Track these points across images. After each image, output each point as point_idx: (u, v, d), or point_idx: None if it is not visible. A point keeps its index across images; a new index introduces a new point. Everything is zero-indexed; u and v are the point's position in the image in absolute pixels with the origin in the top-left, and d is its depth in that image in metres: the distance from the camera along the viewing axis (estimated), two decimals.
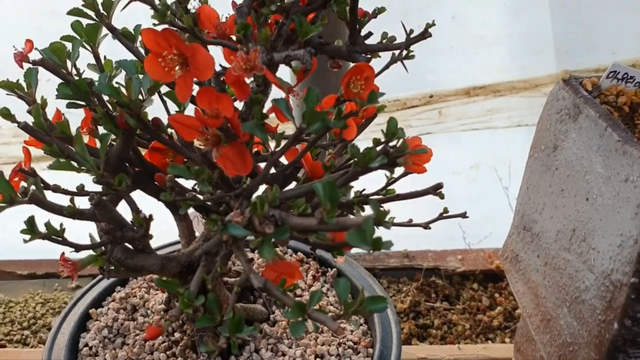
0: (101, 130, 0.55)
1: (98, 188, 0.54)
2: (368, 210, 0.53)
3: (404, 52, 0.54)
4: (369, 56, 0.55)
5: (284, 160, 0.55)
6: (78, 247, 0.51)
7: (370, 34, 0.55)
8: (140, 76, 0.50)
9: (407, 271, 1.21)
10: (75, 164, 0.52)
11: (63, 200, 0.54)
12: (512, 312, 1.15)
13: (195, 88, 0.50)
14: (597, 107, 0.63)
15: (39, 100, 0.56)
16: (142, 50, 0.59)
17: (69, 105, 0.53)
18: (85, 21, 0.57)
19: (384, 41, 0.56)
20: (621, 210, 0.56)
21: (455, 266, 1.20)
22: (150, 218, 0.53)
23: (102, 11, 0.56)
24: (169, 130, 0.55)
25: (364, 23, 0.55)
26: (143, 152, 0.59)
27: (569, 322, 0.63)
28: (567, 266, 0.65)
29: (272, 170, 0.56)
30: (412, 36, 0.53)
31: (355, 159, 0.50)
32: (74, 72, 0.57)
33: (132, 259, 0.56)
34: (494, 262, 1.21)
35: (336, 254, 0.53)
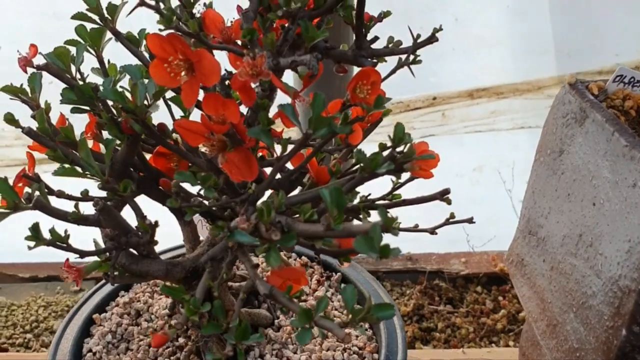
0: (105, 135, 0.55)
1: (101, 193, 0.53)
2: (374, 216, 0.52)
3: (411, 57, 0.54)
4: (375, 60, 0.55)
5: (288, 165, 0.55)
6: (83, 254, 0.51)
7: (376, 38, 0.55)
8: (146, 81, 0.50)
9: (410, 274, 1.21)
10: (79, 169, 0.52)
11: (66, 205, 0.53)
12: (515, 315, 1.14)
13: (201, 93, 0.50)
14: (604, 111, 0.63)
15: (42, 105, 0.56)
16: (146, 55, 0.58)
17: (73, 110, 0.53)
18: (88, 25, 0.57)
19: (390, 45, 0.56)
20: (629, 215, 0.55)
21: (458, 269, 1.20)
22: (156, 224, 0.53)
23: (106, 15, 0.55)
24: (174, 135, 0.55)
25: (370, 27, 0.55)
26: (147, 156, 0.59)
27: (576, 328, 0.63)
28: (574, 271, 0.64)
29: (277, 176, 0.56)
30: (419, 41, 0.53)
31: (362, 165, 0.50)
32: (78, 76, 0.57)
33: (137, 265, 0.56)
34: (498, 265, 1.20)
35: (342, 260, 0.52)
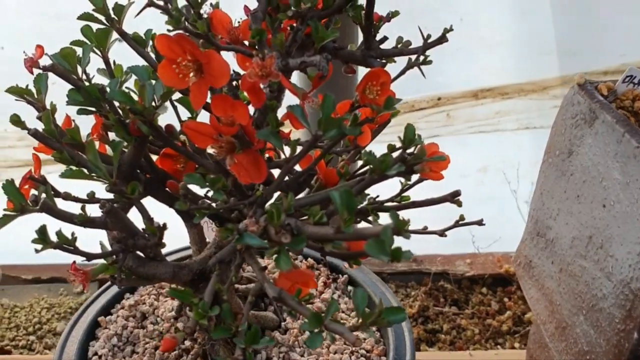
0: (111, 136, 0.54)
1: (107, 195, 0.53)
2: (384, 219, 0.52)
3: (421, 58, 0.53)
4: (384, 61, 0.55)
5: (296, 167, 0.54)
6: (90, 256, 0.51)
7: (385, 38, 0.54)
8: (153, 82, 0.49)
9: (415, 275, 1.20)
10: (86, 171, 0.51)
11: (72, 207, 0.53)
12: (521, 317, 1.14)
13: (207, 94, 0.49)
14: (614, 112, 0.62)
15: (48, 106, 0.55)
16: (152, 56, 0.58)
17: (79, 112, 0.53)
18: (94, 26, 0.56)
19: (399, 46, 0.55)
20: None
21: (464, 270, 1.19)
22: (164, 227, 0.52)
23: (113, 16, 0.55)
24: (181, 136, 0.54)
25: (379, 27, 0.54)
26: (153, 158, 0.58)
27: (586, 331, 0.62)
28: (584, 273, 0.64)
29: (285, 178, 0.55)
30: (429, 41, 0.52)
31: (372, 166, 0.50)
32: (84, 77, 0.56)
33: (144, 267, 0.55)
34: (503, 266, 1.20)
35: (352, 262, 0.52)
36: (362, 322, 0.46)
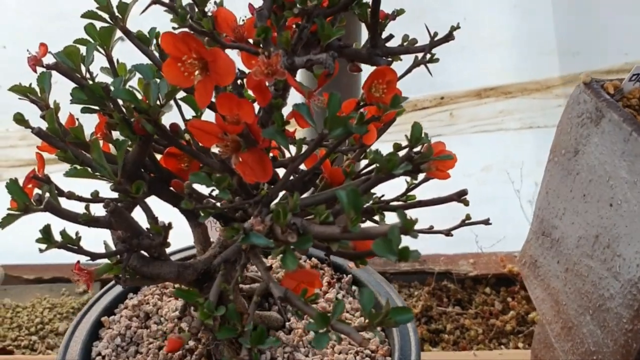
0: (116, 135, 0.54)
1: (111, 194, 0.53)
2: (390, 218, 0.51)
3: (428, 56, 0.53)
4: (389, 59, 0.54)
5: (301, 166, 0.54)
6: (94, 256, 0.50)
7: (391, 36, 0.54)
8: (158, 81, 0.49)
9: (418, 275, 1.20)
10: (90, 170, 0.51)
11: (75, 206, 0.52)
12: (525, 317, 1.13)
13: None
14: (621, 110, 0.62)
15: (51, 105, 0.55)
16: (156, 54, 0.58)
17: (83, 110, 0.52)
18: (97, 24, 0.56)
19: (405, 44, 0.55)
20: None
21: (467, 270, 1.19)
22: (169, 226, 0.52)
23: (117, 14, 0.54)
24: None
25: (385, 25, 0.54)
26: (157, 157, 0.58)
27: (592, 330, 0.62)
28: (590, 273, 0.63)
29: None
30: (435, 39, 0.52)
31: (378, 165, 0.49)
32: (87, 76, 0.56)
33: (148, 267, 0.55)
34: (507, 266, 1.19)
35: (359, 262, 0.52)
36: (369, 322, 0.46)
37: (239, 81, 0.56)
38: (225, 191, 0.46)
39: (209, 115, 0.52)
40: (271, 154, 0.59)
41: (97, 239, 0.56)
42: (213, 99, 0.48)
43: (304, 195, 0.55)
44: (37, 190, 0.51)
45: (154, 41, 0.58)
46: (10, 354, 1.07)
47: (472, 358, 0.99)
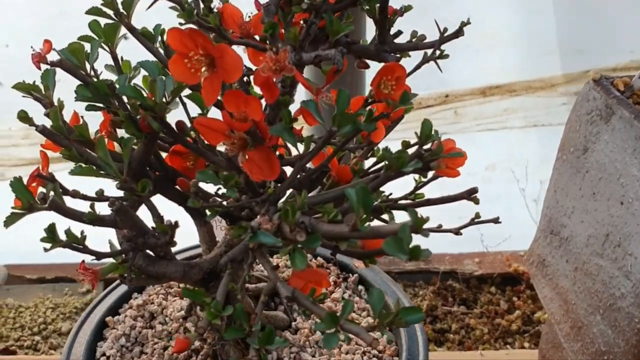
0: (121, 133, 0.53)
1: (116, 193, 0.52)
2: (400, 217, 0.51)
3: (437, 52, 0.52)
4: (398, 55, 0.53)
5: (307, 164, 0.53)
6: (99, 255, 0.50)
7: (399, 32, 0.53)
8: (164, 77, 0.48)
9: (423, 275, 1.19)
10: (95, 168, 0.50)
11: (79, 205, 0.52)
12: (530, 316, 1.13)
13: None
14: (632, 107, 0.61)
15: (55, 103, 0.54)
16: (161, 51, 0.57)
17: (88, 108, 0.52)
18: (102, 21, 0.55)
19: (413, 40, 0.54)
20: None
21: (472, 269, 1.18)
22: (176, 225, 0.51)
23: (121, 10, 0.54)
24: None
25: (393, 21, 0.53)
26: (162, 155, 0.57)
27: (603, 330, 0.61)
28: (600, 272, 0.62)
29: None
30: (445, 35, 0.51)
31: (387, 163, 0.49)
32: (92, 73, 0.55)
33: (154, 266, 0.54)
34: (512, 265, 1.18)
35: (368, 262, 0.51)
36: (378, 322, 0.45)
37: (245, 78, 0.56)
38: (233, 189, 0.46)
39: (213, 114, 0.51)
40: (277, 152, 0.59)
41: (102, 238, 0.55)
42: (218, 97, 0.47)
43: (311, 194, 0.55)
44: (41, 189, 0.50)
45: (159, 38, 0.57)
46: (13, 354, 1.07)
47: (479, 358, 0.99)
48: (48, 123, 0.51)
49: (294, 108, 0.51)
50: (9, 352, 1.07)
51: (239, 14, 0.53)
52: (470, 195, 0.52)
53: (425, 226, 0.61)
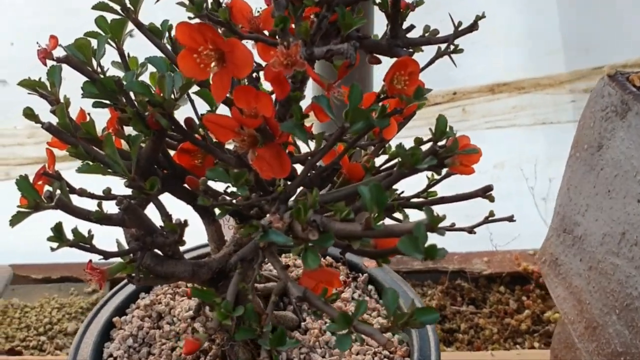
0: (128, 130, 0.52)
1: (123, 191, 0.51)
2: (414, 216, 0.50)
3: (452, 47, 0.51)
4: (411, 50, 0.52)
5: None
6: (107, 255, 0.49)
7: (412, 26, 0.52)
8: (172, 73, 0.47)
9: (431, 274, 1.18)
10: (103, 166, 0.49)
11: (86, 203, 0.51)
12: (540, 316, 1.12)
13: None
14: None
15: (61, 100, 0.53)
16: (168, 47, 0.56)
17: (95, 105, 0.51)
18: (108, 17, 0.54)
19: (426, 34, 0.53)
20: None
21: (481, 268, 1.17)
22: (185, 224, 0.50)
23: (128, 5, 0.53)
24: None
25: (406, 15, 0.52)
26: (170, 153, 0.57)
27: (619, 331, 0.60)
28: (616, 271, 0.61)
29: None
30: (460, 29, 0.50)
31: (401, 160, 0.47)
32: (99, 70, 0.54)
33: (162, 266, 0.53)
34: (521, 264, 1.17)
35: (381, 261, 0.50)
36: (393, 323, 0.44)
37: (254, 74, 0.55)
38: (243, 187, 0.45)
39: (220, 111, 0.50)
40: (287, 150, 0.58)
41: (109, 238, 0.54)
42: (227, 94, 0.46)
43: (322, 192, 0.54)
44: (47, 187, 0.49)
45: (166, 34, 0.56)
46: (19, 355, 1.06)
47: (490, 358, 0.97)
48: (54, 120, 0.50)
49: (302, 104, 0.50)
50: (15, 352, 1.06)
51: (248, 8, 0.52)
52: (485, 193, 0.51)
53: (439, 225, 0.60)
